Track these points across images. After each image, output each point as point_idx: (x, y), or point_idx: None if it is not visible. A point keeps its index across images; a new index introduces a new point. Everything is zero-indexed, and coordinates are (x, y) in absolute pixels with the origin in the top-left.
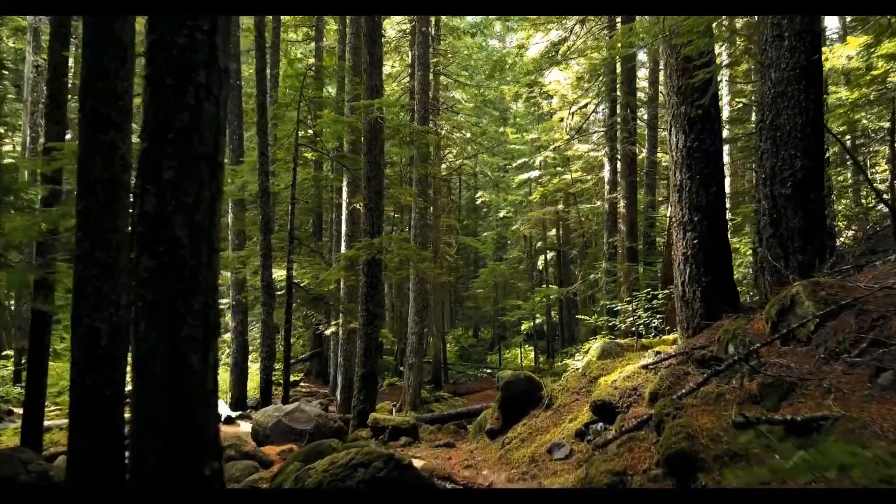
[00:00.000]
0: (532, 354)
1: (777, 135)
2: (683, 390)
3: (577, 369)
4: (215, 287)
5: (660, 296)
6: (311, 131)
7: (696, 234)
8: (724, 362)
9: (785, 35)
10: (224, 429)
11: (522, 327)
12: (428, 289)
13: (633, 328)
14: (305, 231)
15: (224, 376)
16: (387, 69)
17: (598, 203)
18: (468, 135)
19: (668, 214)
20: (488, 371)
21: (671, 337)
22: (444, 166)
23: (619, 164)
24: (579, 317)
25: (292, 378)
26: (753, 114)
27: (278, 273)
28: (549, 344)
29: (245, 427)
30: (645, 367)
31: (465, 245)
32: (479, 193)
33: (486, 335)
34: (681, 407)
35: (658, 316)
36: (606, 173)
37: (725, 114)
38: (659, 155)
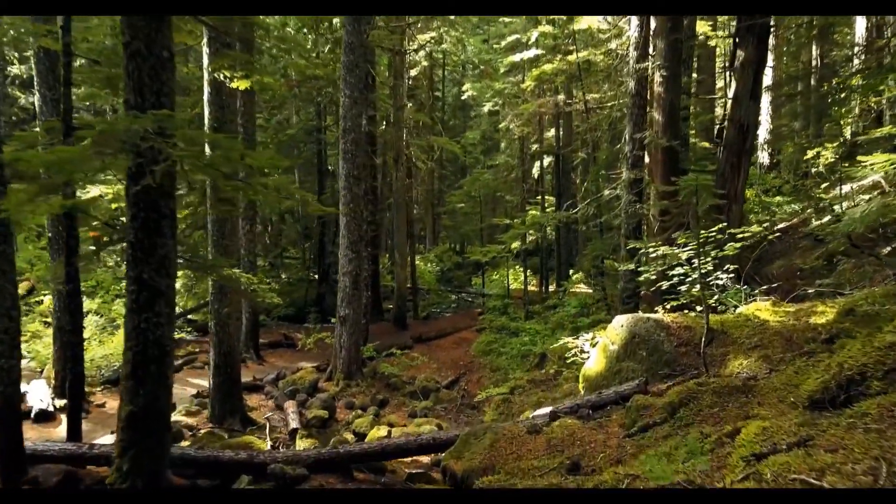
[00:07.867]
0: (522, 277)
1: None
2: None
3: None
4: None
5: (740, 235)
6: None
7: None
8: None
9: None
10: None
11: (512, 245)
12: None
13: (689, 286)
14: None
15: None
16: None
17: (611, 92)
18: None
19: (730, 95)
20: (471, 298)
21: (763, 308)
22: (422, 58)
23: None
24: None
25: (182, 335)
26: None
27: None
28: (542, 265)
29: (60, 431)
30: None
31: (444, 147)
32: (466, 87)
33: (475, 254)
34: None
35: (729, 269)
36: (633, 30)
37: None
38: (699, 24)
